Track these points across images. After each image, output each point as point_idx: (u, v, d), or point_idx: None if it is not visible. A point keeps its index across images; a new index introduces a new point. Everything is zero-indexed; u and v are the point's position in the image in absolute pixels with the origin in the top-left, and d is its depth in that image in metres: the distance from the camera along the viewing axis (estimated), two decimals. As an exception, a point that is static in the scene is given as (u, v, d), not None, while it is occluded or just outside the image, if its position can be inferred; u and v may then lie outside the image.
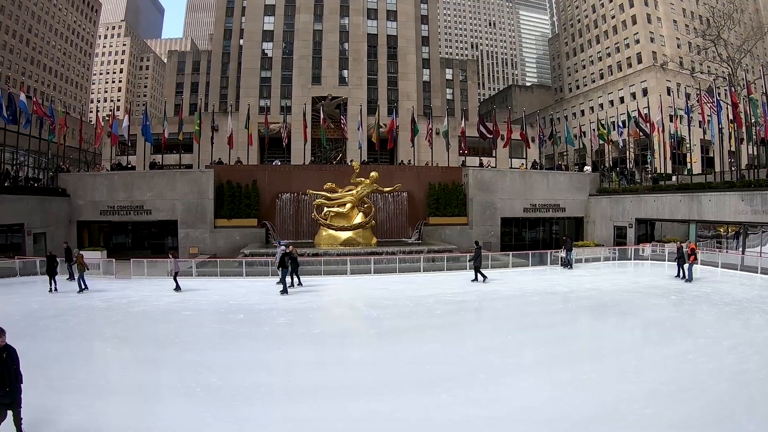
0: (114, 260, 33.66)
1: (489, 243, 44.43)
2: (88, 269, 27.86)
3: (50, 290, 27.13)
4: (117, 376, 14.13)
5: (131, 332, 19.32)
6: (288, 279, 26.80)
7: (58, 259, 28.47)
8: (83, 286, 26.64)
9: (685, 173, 52.41)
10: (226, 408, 11.54)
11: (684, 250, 29.76)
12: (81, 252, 28.99)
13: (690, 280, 28.49)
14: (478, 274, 29.58)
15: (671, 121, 46.69)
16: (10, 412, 9.50)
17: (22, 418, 9.66)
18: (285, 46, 74.08)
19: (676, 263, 30.35)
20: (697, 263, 30.52)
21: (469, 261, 30.78)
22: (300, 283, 27.86)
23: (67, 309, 22.89)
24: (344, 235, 39.53)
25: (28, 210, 37.27)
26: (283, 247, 27.71)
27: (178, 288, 27.21)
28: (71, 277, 29.30)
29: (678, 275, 29.82)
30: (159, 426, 10.69)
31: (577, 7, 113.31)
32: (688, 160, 63.85)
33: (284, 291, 25.95)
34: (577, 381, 12.91)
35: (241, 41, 79.85)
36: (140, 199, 42.13)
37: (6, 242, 36.70)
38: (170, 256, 28.64)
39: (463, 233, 44.26)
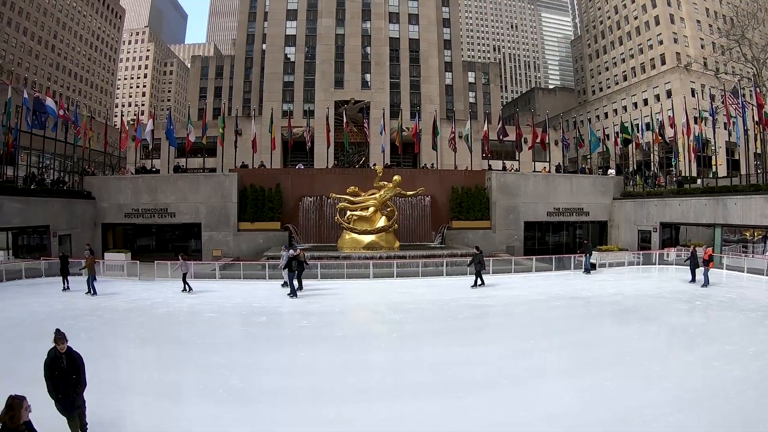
0: (138, 262, 34.07)
1: (512, 247, 44.31)
2: (95, 274, 28.11)
3: (63, 289, 28.01)
4: (140, 376, 14.33)
5: (154, 333, 19.60)
6: (295, 282, 26.92)
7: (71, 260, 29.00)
8: (90, 291, 26.80)
9: (710, 176, 51.78)
10: (249, 409, 11.69)
11: (700, 254, 29.42)
12: (92, 255, 29.19)
13: (706, 285, 28.08)
14: (479, 278, 29.33)
15: (696, 123, 46.19)
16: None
17: (87, 424, 9.68)
18: (307, 51, 74.56)
19: (689, 268, 30.09)
20: (720, 268, 30.19)
21: (469, 265, 30.34)
22: (301, 287, 27.76)
23: (92, 310, 23.23)
24: (367, 238, 39.53)
25: (53, 212, 37.88)
26: (291, 251, 27.85)
27: (185, 289, 27.69)
28: (94, 279, 29.83)
29: (692, 280, 29.52)
30: (181, 426, 10.89)
31: (599, 9, 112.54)
32: (713, 162, 63.16)
33: (292, 294, 26.12)
34: (600, 387, 12.85)
35: (264, 46, 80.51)
36: (164, 202, 42.54)
37: (32, 243, 37.47)
38: (180, 258, 28.90)
39: (486, 237, 44.10)
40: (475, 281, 29.27)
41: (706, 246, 30.73)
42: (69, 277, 28.71)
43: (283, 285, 28.42)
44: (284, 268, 27.55)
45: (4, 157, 40.19)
